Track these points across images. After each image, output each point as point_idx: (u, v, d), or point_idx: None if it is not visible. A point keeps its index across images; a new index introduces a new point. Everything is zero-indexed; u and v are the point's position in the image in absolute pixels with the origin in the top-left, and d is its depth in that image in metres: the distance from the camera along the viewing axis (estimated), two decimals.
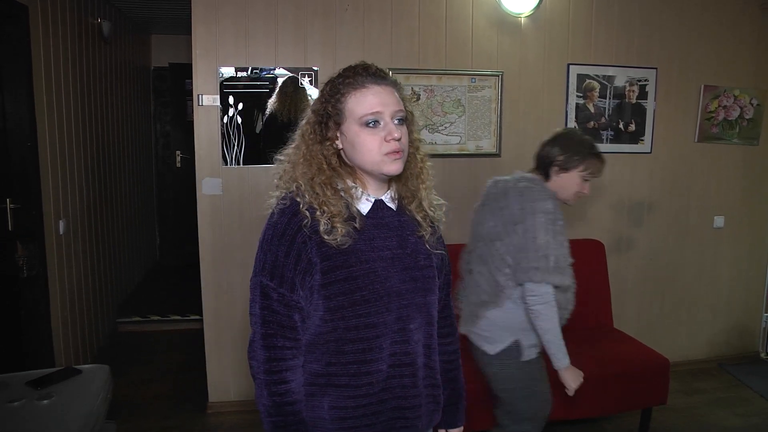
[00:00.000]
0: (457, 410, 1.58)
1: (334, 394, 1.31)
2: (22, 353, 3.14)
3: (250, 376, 3.79)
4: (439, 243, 1.48)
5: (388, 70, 1.38)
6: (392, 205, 1.40)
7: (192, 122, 3.30)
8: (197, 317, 4.33)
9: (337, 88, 1.32)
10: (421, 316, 1.38)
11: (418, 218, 1.41)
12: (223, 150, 3.25)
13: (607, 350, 3.14)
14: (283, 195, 1.35)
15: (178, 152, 6.45)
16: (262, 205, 3.73)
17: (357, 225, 1.30)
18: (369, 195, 1.37)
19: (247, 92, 3.23)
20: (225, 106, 3.21)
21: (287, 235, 1.28)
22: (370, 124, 1.29)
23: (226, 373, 3.41)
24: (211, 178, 3.27)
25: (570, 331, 3.33)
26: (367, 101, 1.29)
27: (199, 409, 3.41)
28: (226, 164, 3.26)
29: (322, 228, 1.26)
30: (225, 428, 3.25)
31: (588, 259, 3.55)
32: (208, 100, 3.21)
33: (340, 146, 1.34)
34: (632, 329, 3.64)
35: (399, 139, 1.29)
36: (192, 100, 3.27)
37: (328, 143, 1.33)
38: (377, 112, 1.29)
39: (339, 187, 1.33)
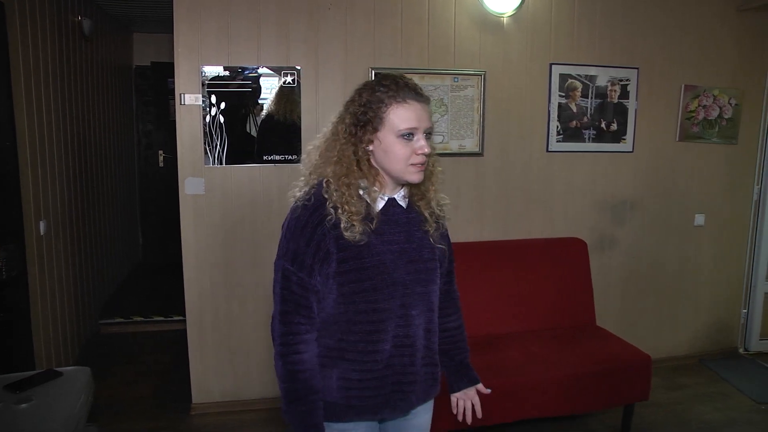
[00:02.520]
0: (469, 369, 1.78)
1: (343, 366, 1.51)
2: (2, 356, 3.09)
3: (233, 376, 3.80)
4: (443, 238, 1.65)
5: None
6: (403, 203, 1.57)
7: (174, 121, 3.27)
8: (180, 318, 4.29)
9: (379, 97, 1.46)
10: (423, 303, 1.56)
11: (426, 215, 1.59)
12: (205, 149, 3.23)
13: (589, 347, 3.17)
14: (307, 189, 1.52)
15: (160, 152, 6.40)
16: (245, 204, 3.68)
17: (373, 225, 1.48)
18: (384, 195, 1.53)
19: (230, 91, 3.21)
20: (207, 106, 3.19)
21: (309, 227, 1.45)
22: (405, 137, 1.46)
23: (210, 374, 3.38)
24: (194, 177, 3.24)
25: (553, 328, 3.39)
26: (407, 116, 1.46)
27: (182, 411, 3.38)
28: (209, 164, 3.24)
29: (343, 225, 1.44)
30: (209, 429, 3.22)
31: (571, 257, 3.58)
32: (190, 99, 3.18)
33: (371, 149, 1.49)
34: (615, 326, 3.68)
35: (427, 154, 1.48)
36: (174, 99, 3.24)
37: (362, 146, 1.48)
38: (414, 128, 1.46)
39: (362, 186, 1.49)
